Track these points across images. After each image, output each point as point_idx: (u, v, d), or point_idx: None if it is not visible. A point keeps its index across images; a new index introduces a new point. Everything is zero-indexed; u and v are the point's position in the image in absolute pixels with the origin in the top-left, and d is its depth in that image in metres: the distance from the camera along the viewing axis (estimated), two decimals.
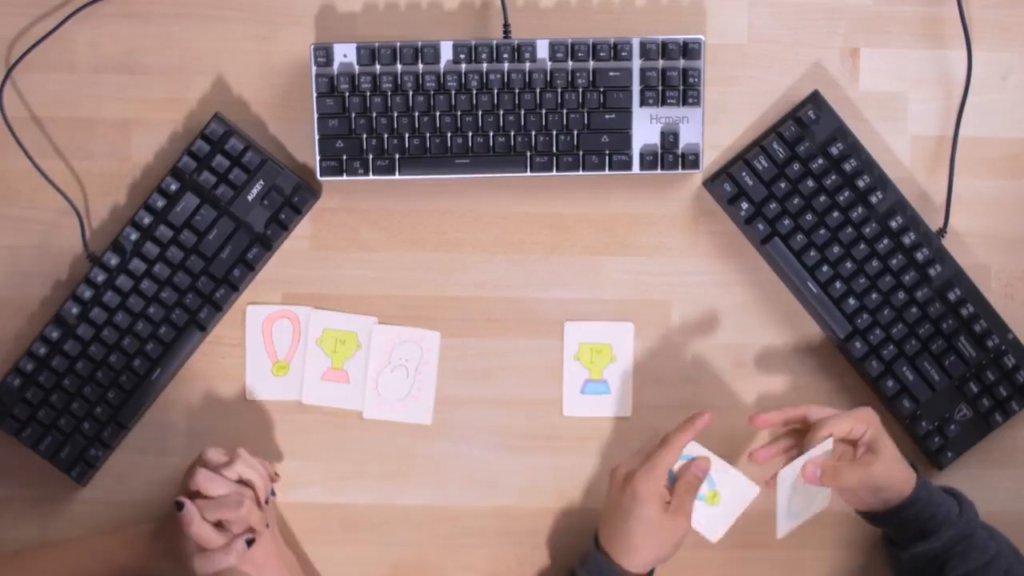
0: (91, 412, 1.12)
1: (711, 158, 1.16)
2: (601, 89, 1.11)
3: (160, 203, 1.12)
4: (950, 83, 1.16)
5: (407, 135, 1.11)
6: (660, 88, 1.11)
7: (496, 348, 1.16)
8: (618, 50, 1.11)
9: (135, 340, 1.12)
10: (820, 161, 1.12)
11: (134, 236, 1.12)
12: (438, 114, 1.11)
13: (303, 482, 1.16)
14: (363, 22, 1.15)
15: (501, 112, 1.11)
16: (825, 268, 1.13)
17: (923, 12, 1.16)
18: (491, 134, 1.11)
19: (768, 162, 1.13)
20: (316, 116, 1.11)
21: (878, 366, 1.13)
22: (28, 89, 1.15)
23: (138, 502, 1.15)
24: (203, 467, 1.03)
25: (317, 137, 1.11)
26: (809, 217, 1.12)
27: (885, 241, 1.13)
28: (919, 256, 1.13)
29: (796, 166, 1.12)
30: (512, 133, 1.11)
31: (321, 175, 1.12)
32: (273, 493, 1.08)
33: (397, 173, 1.12)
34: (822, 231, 1.13)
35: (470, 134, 1.11)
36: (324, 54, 1.10)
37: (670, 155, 1.12)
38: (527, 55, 1.10)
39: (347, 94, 1.11)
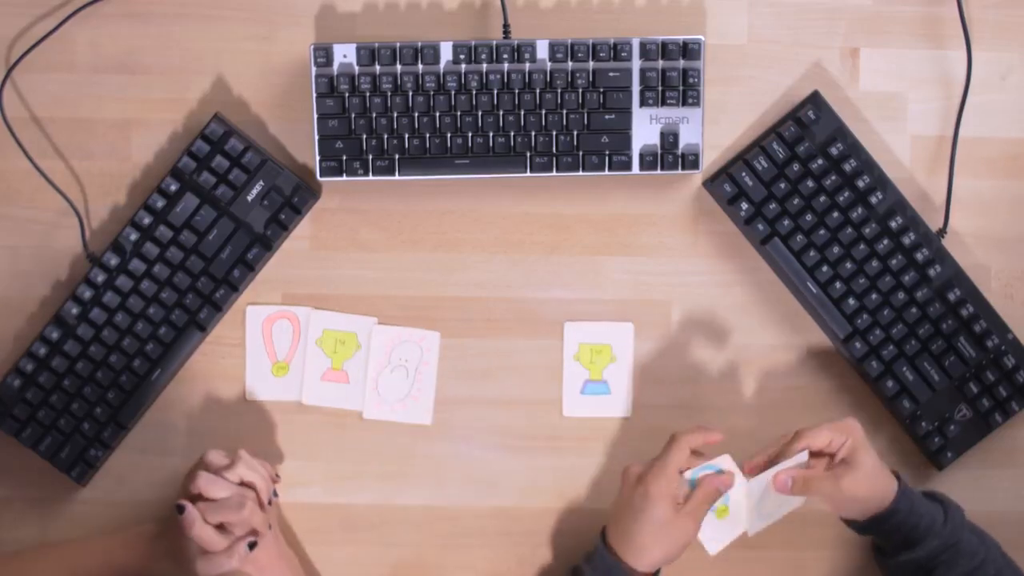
0: (91, 412, 1.12)
1: (711, 158, 1.16)
2: (601, 89, 1.11)
3: (160, 203, 1.12)
4: (950, 83, 1.16)
5: (407, 135, 1.11)
6: (660, 88, 1.11)
7: (496, 348, 1.16)
8: (618, 50, 1.11)
9: (135, 340, 1.12)
10: (820, 161, 1.12)
11: (134, 236, 1.12)
12: (438, 114, 1.11)
13: (303, 482, 1.16)
14: (363, 22, 1.15)
15: (501, 112, 1.11)
16: (825, 268, 1.13)
17: (923, 12, 1.16)
18: (491, 134, 1.11)
19: (768, 162, 1.13)
20: (316, 116, 1.11)
21: (878, 366, 1.13)
22: (28, 89, 1.15)
23: (138, 502, 1.15)
24: (204, 469, 1.03)
25: (317, 137, 1.11)
26: (809, 217, 1.13)
27: (885, 241, 1.13)
28: (919, 256, 1.13)
29: (796, 166, 1.12)
30: (512, 133, 1.11)
31: (321, 175, 1.12)
32: (275, 494, 1.08)
33: (397, 173, 1.12)
34: (822, 231, 1.13)
35: (470, 134, 1.11)
36: (324, 54, 1.10)
37: (670, 155, 1.12)
38: (527, 55, 1.10)
39: (347, 94, 1.11)
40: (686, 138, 1.12)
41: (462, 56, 1.10)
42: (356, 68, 1.10)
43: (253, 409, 1.16)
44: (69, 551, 1.08)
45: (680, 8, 1.15)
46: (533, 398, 1.16)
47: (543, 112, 1.11)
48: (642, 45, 1.11)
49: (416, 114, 1.11)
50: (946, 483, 1.15)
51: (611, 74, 1.11)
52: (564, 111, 1.11)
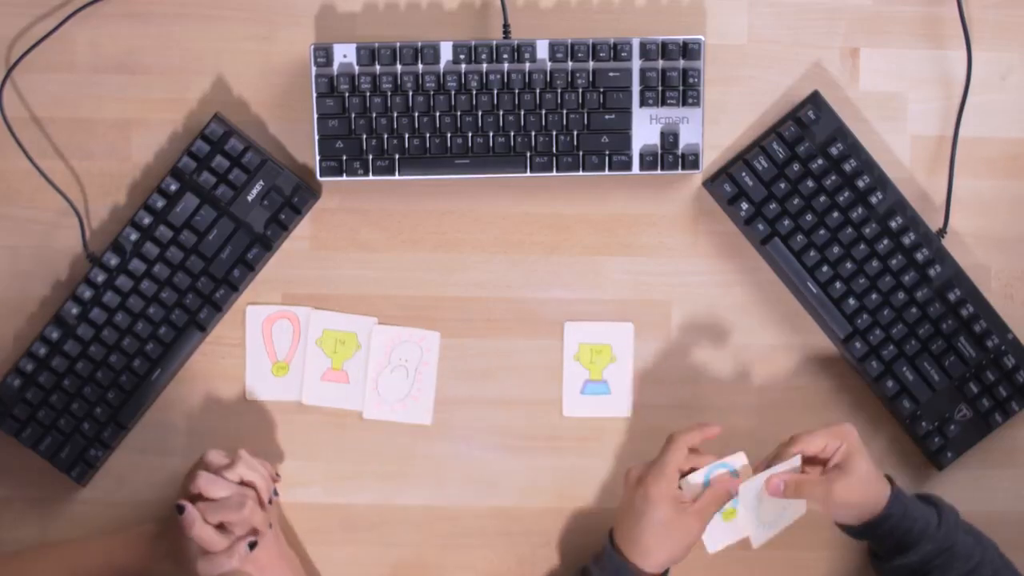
0: (91, 412, 1.12)
1: (711, 158, 1.16)
2: (601, 89, 1.11)
3: (160, 203, 1.12)
4: (950, 83, 1.16)
5: (407, 135, 1.11)
6: (660, 88, 1.11)
7: (496, 348, 1.16)
8: (618, 50, 1.11)
9: (135, 340, 1.12)
10: (820, 161, 1.12)
11: (134, 236, 1.12)
12: (438, 114, 1.11)
13: (303, 482, 1.16)
14: (363, 22, 1.15)
15: (501, 112, 1.11)
16: (825, 268, 1.13)
17: (923, 12, 1.16)
18: (491, 134, 1.11)
19: (768, 162, 1.13)
20: (316, 116, 1.11)
21: (878, 366, 1.13)
22: (28, 89, 1.15)
23: (138, 502, 1.15)
24: (204, 469, 1.03)
25: (317, 137, 1.11)
26: (809, 217, 1.13)
27: (885, 241, 1.13)
28: (919, 256, 1.13)
29: (796, 166, 1.12)
30: (512, 133, 1.11)
31: (321, 175, 1.12)
32: (276, 493, 1.08)
33: (397, 173, 1.12)
34: (822, 231, 1.13)
35: (470, 134, 1.11)
36: (324, 54, 1.10)
37: (670, 155, 1.12)
38: (527, 55, 1.10)
39: (347, 94, 1.11)
40: (686, 138, 1.12)
41: (462, 56, 1.10)
42: (356, 68, 1.10)
43: (253, 409, 1.16)
44: (69, 551, 1.08)
45: (680, 8, 1.15)
46: (533, 398, 1.16)
47: (543, 112, 1.11)
48: (642, 45, 1.11)
49: (416, 114, 1.11)
50: (946, 483, 1.15)
51: (611, 74, 1.11)
52: (564, 111, 1.11)
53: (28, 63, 1.13)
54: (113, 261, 1.12)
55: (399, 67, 1.10)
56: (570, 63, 1.11)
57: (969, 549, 1.02)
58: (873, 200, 1.12)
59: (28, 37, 1.14)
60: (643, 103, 1.11)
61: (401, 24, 1.15)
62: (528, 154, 1.12)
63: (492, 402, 1.16)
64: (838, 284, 1.13)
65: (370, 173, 1.12)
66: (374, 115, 1.11)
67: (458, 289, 1.16)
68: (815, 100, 1.14)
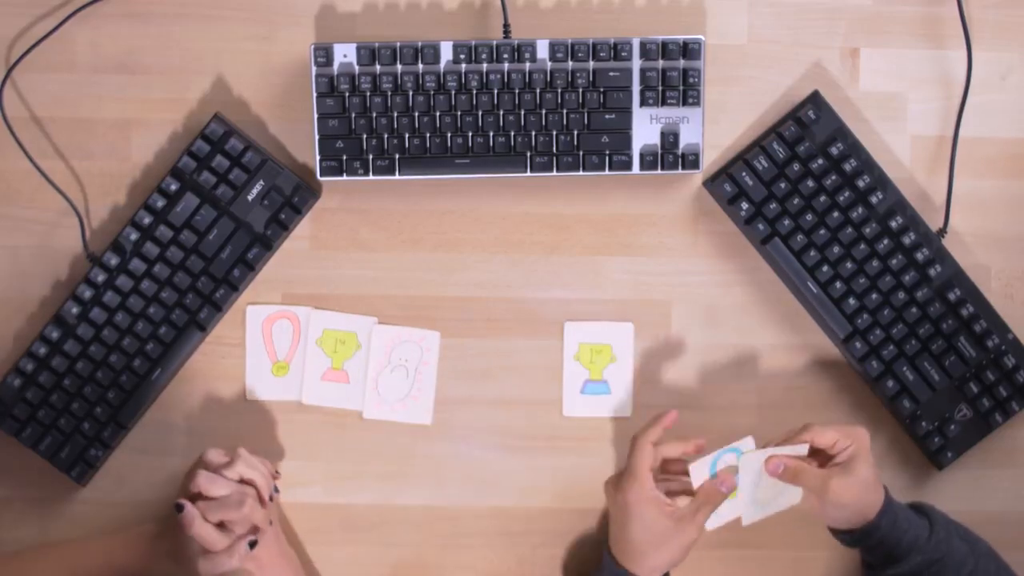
0: (91, 412, 1.12)
1: (711, 158, 1.16)
2: (601, 89, 1.11)
3: (160, 203, 1.12)
4: (950, 83, 1.16)
5: (407, 135, 1.11)
6: (660, 88, 1.11)
7: (496, 348, 1.16)
8: (618, 50, 1.11)
9: (135, 340, 1.12)
10: (820, 161, 1.12)
11: (134, 236, 1.12)
12: (438, 114, 1.11)
13: (303, 482, 1.16)
14: (363, 22, 1.15)
15: (501, 112, 1.11)
16: (825, 268, 1.13)
17: (923, 12, 1.16)
18: (491, 134, 1.11)
19: (768, 162, 1.13)
20: (316, 116, 1.11)
21: (878, 366, 1.13)
22: (28, 89, 1.15)
23: (138, 502, 1.15)
24: (204, 468, 1.03)
25: (317, 137, 1.11)
26: (809, 217, 1.13)
27: (885, 241, 1.13)
28: (919, 256, 1.13)
29: (796, 166, 1.12)
30: (512, 133, 1.11)
31: (321, 175, 1.12)
32: (276, 490, 1.08)
33: (397, 173, 1.12)
34: (822, 231, 1.13)
35: (470, 134, 1.11)
36: (324, 54, 1.10)
37: (670, 155, 1.12)
38: (527, 55, 1.10)
39: (347, 94, 1.11)
40: (686, 138, 1.12)
41: (462, 56, 1.10)
42: (356, 68, 1.10)
43: (253, 409, 1.16)
44: (69, 551, 1.08)
45: (680, 8, 1.15)
46: (533, 398, 1.16)
47: (543, 112, 1.11)
48: (642, 45, 1.11)
49: (416, 114, 1.11)
50: (946, 483, 1.15)
51: (611, 74, 1.11)
52: (564, 111, 1.11)
53: (28, 63, 1.13)
54: (113, 261, 1.12)
55: (399, 67, 1.11)
56: (570, 63, 1.11)
57: (962, 558, 1.02)
58: (873, 200, 1.12)
59: (28, 37, 1.14)
60: (643, 103, 1.11)
61: (401, 24, 1.15)
62: (528, 154, 1.12)
63: (492, 402, 1.16)
64: (838, 284, 1.13)
65: (370, 173, 1.12)
66: (374, 115, 1.11)
67: (458, 289, 1.16)
68: (815, 100, 1.14)
